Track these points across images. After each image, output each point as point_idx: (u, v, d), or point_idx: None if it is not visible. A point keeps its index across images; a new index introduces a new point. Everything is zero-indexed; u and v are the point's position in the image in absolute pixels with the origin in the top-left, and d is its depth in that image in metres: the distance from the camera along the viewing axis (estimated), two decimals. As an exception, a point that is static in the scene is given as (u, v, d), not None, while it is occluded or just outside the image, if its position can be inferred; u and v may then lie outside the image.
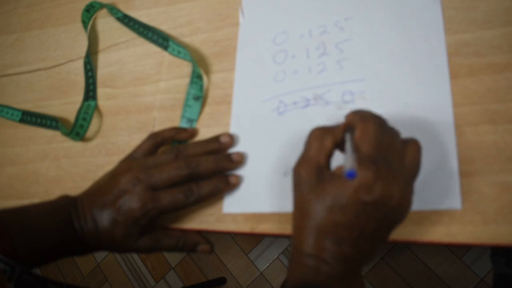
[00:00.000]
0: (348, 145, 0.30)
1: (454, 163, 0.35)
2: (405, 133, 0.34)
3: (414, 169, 0.31)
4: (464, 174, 0.35)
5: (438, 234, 0.34)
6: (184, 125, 0.45)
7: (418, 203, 0.35)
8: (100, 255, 1.40)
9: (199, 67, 0.46)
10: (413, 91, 0.38)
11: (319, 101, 0.41)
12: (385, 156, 0.29)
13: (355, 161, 0.29)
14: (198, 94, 0.45)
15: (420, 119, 0.37)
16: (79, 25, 0.56)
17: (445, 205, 0.35)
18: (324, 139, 0.31)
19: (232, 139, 0.42)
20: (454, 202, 0.34)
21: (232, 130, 0.43)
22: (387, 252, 1.12)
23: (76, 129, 0.49)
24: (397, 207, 0.29)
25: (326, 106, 0.41)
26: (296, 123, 0.41)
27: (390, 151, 0.30)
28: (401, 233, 0.35)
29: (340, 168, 0.30)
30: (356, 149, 0.30)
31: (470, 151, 0.35)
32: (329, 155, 0.31)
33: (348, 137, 0.31)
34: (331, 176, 0.30)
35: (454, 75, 0.38)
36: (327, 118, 0.40)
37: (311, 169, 0.30)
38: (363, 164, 0.28)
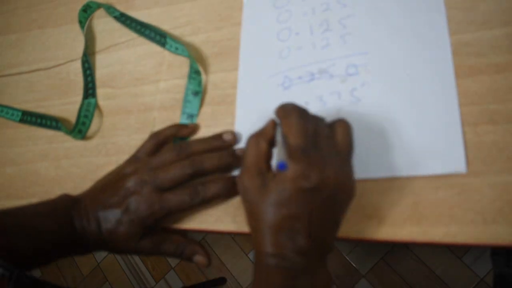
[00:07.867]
0: (278, 139, 0.32)
1: (458, 129, 0.35)
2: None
3: (346, 147, 0.32)
4: (464, 174, 0.35)
5: (438, 234, 0.34)
6: (185, 120, 0.45)
7: (422, 168, 0.35)
8: (100, 255, 1.40)
9: (197, 63, 0.46)
10: (416, 63, 0.39)
11: (324, 75, 0.42)
12: (314, 144, 0.31)
13: (285, 152, 0.30)
14: (197, 89, 0.45)
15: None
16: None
17: (450, 169, 0.35)
18: (259, 143, 0.33)
19: (235, 137, 0.42)
20: (459, 165, 0.35)
21: (238, 111, 0.44)
22: (387, 252, 1.12)
23: (79, 127, 0.49)
24: (337, 187, 0.31)
25: (330, 79, 0.41)
26: (301, 97, 0.42)
27: (318, 137, 0.32)
28: (401, 233, 0.35)
29: None
30: (285, 142, 0.31)
31: (470, 151, 0.35)
32: (267, 157, 0.33)
33: (278, 131, 0.32)
34: (273, 176, 0.31)
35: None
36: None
37: (253, 177, 0.32)
38: (295, 155, 0.30)
